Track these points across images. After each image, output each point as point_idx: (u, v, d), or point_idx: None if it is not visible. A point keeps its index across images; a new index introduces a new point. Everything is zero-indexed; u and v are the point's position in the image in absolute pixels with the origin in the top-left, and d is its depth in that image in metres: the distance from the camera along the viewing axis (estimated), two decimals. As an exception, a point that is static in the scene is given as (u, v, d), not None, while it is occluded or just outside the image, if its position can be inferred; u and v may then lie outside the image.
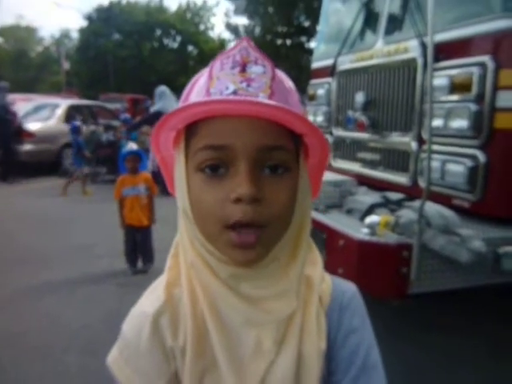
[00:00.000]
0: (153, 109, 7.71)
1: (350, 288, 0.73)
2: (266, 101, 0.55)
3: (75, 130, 8.22)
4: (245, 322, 0.61)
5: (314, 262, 0.69)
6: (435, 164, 2.57)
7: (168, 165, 0.69)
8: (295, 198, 0.61)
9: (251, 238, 0.56)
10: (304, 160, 0.64)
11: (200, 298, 0.62)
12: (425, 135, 2.78)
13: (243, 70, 0.57)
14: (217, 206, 0.56)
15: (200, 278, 0.62)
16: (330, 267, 2.43)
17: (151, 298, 0.66)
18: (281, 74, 0.62)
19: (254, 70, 0.57)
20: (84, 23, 33.65)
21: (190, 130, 0.60)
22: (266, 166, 0.57)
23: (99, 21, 32.01)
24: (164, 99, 7.53)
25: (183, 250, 0.65)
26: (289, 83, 0.63)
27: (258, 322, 0.62)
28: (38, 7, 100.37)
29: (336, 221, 2.66)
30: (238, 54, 0.58)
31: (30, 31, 49.03)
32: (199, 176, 0.58)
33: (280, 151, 0.58)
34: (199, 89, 0.60)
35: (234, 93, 0.55)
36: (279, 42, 22.68)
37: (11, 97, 12.44)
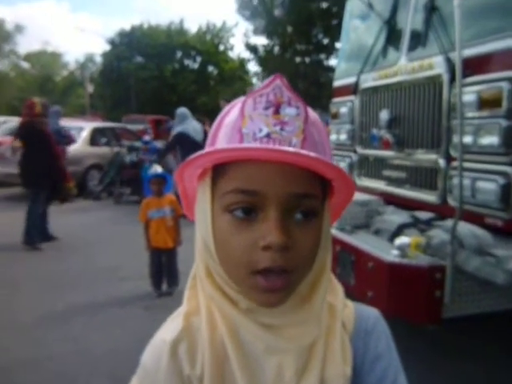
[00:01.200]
0: (175, 131, 7.77)
1: (373, 313, 0.72)
2: (302, 151, 0.54)
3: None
4: (266, 350, 0.60)
5: (334, 290, 0.69)
6: (466, 182, 2.50)
7: (189, 196, 0.69)
8: (319, 241, 0.61)
9: (279, 283, 0.56)
10: (328, 201, 0.64)
11: (219, 326, 0.62)
12: (453, 152, 2.72)
13: (277, 111, 0.56)
14: (245, 251, 0.56)
15: (219, 308, 0.62)
16: (358, 290, 2.37)
17: (170, 327, 0.66)
18: (313, 115, 0.61)
19: (288, 111, 0.57)
20: (107, 47, 34.52)
21: (218, 170, 0.59)
22: (295, 213, 0.57)
23: (122, 44, 32.77)
24: (184, 121, 7.61)
25: (200, 281, 0.65)
26: (320, 124, 0.63)
27: (279, 350, 0.61)
28: (63, 33, 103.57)
29: (364, 242, 2.60)
30: (272, 93, 0.57)
31: (56, 56, 50.51)
32: (227, 217, 0.58)
33: (310, 199, 0.58)
34: (229, 127, 0.59)
35: (268, 136, 0.55)
36: (298, 59, 22.83)
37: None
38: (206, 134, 9.42)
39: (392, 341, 0.70)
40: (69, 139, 9.30)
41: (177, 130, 7.66)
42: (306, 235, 0.57)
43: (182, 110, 7.78)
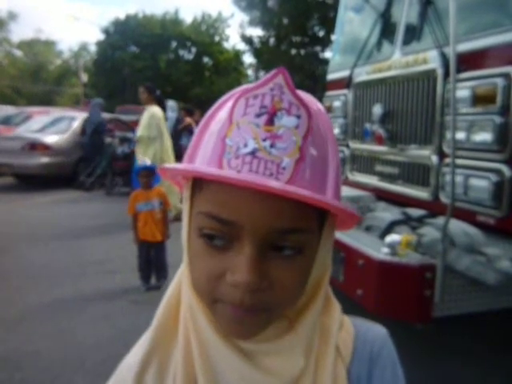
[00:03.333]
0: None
1: (379, 334, 0.61)
2: (288, 188, 0.43)
3: None
4: (240, 380, 0.51)
5: (328, 308, 0.59)
6: (458, 179, 2.47)
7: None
8: (309, 274, 0.52)
9: (249, 319, 0.48)
10: (331, 229, 0.55)
11: (194, 349, 0.53)
12: (446, 148, 2.68)
13: (270, 120, 0.46)
14: (211, 280, 0.48)
15: (195, 323, 0.54)
16: (348, 288, 2.33)
17: (138, 350, 0.58)
18: (320, 124, 0.50)
19: (285, 122, 0.46)
20: (101, 36, 34.19)
21: (197, 182, 0.51)
22: (277, 248, 0.48)
23: (116, 34, 32.46)
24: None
25: (184, 290, 0.56)
26: (328, 135, 0.51)
27: (256, 383, 0.51)
28: (56, 21, 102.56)
29: (355, 239, 2.56)
30: (269, 94, 0.47)
31: (49, 45, 50.05)
32: (199, 239, 0.49)
33: (297, 234, 0.48)
34: (215, 131, 0.49)
35: (252, 153, 0.45)
36: (293, 51, 22.70)
37: (29, 110, 12.61)
38: (178, 121, 9.55)
39: (400, 366, 0.59)
40: (108, 132, 9.60)
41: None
42: (290, 273, 0.48)
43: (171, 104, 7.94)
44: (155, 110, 6.46)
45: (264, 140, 0.45)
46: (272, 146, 0.45)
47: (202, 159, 0.50)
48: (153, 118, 6.40)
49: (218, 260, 0.48)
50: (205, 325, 0.53)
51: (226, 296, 0.47)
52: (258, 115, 0.46)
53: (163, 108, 6.81)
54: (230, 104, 0.49)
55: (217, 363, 0.52)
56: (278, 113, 0.46)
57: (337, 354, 0.55)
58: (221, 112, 0.51)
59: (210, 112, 0.53)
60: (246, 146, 0.45)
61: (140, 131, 6.45)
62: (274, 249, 0.48)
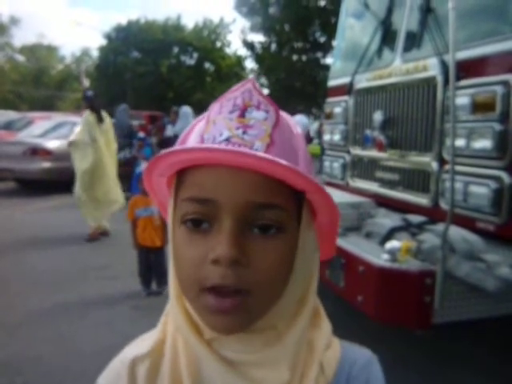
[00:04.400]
0: (173, 130, 7.69)
1: (363, 356, 0.61)
2: (260, 153, 0.47)
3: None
4: None
5: (318, 325, 0.59)
6: (458, 185, 2.48)
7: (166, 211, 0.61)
8: (290, 262, 0.53)
9: (229, 303, 0.49)
10: (310, 218, 0.56)
11: (181, 358, 0.55)
12: (446, 155, 2.69)
13: (242, 114, 0.51)
14: (195, 265, 0.50)
15: (184, 336, 0.56)
16: (348, 294, 2.33)
17: (136, 346, 0.61)
18: (287, 121, 0.55)
19: (255, 115, 0.51)
20: (104, 42, 34.33)
21: (180, 178, 0.54)
22: (255, 225, 0.50)
23: (118, 39, 32.63)
24: (184, 121, 7.51)
25: (171, 303, 0.58)
26: (296, 132, 0.56)
27: None
28: (59, 26, 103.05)
29: (355, 245, 2.57)
30: (240, 96, 0.52)
31: (51, 50, 50.23)
32: (182, 229, 0.52)
33: (273, 210, 0.50)
34: (197, 132, 0.54)
35: (227, 140, 0.49)
36: (295, 57, 22.78)
37: (30, 115, 12.64)
38: None
39: None
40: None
41: (175, 129, 7.55)
42: (267, 252, 0.50)
43: (185, 110, 7.66)
44: (86, 114, 6.28)
45: (237, 129, 0.50)
46: (244, 133, 0.50)
47: None
48: (84, 124, 6.25)
49: (200, 245, 0.50)
50: (191, 335, 0.54)
51: (209, 278, 0.49)
52: (231, 112, 0.52)
53: (97, 112, 6.33)
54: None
55: (203, 372, 0.54)
56: (248, 108, 0.52)
57: (320, 372, 0.56)
58: (202, 120, 0.55)
59: (193, 122, 0.58)
60: (221, 135, 0.50)
61: (72, 136, 6.36)
62: (257, 228, 0.50)
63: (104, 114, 6.45)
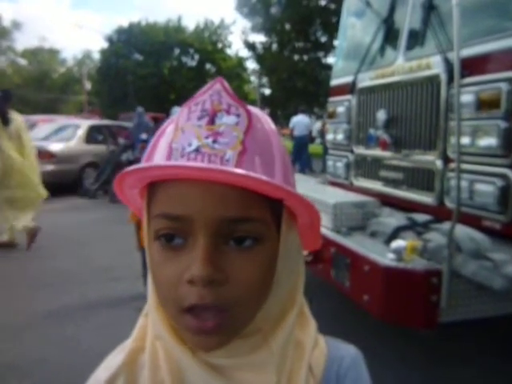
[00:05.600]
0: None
1: (348, 353, 0.61)
2: (219, 167, 0.45)
3: None
4: None
5: (304, 324, 0.59)
6: (463, 184, 2.46)
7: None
8: (271, 270, 0.51)
9: (211, 324, 0.47)
10: (290, 222, 0.54)
11: (162, 366, 0.53)
12: (451, 153, 2.68)
13: (211, 121, 0.49)
14: (171, 285, 0.48)
15: (165, 343, 0.54)
16: (354, 294, 2.32)
17: (109, 364, 0.58)
18: (260, 120, 0.53)
19: (225, 120, 0.49)
20: (105, 44, 34.37)
21: (151, 190, 0.52)
22: (230, 238, 0.48)
23: (120, 42, 32.64)
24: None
25: (150, 311, 0.56)
26: (272, 134, 0.53)
27: None
28: (60, 30, 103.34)
29: (360, 244, 2.56)
30: (209, 99, 0.50)
31: (53, 53, 50.36)
32: (156, 245, 0.50)
33: (248, 223, 0.48)
34: (165, 140, 0.52)
35: (197, 150, 0.47)
36: (296, 57, 22.76)
37: (33, 118, 12.64)
38: None
39: None
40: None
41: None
42: (245, 266, 0.48)
43: (176, 110, 7.70)
44: None
45: (206, 138, 0.48)
46: (214, 141, 0.48)
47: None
48: None
49: (175, 263, 0.48)
50: (172, 343, 0.53)
51: (186, 298, 0.47)
52: (200, 118, 0.49)
53: (1, 114, 5.65)
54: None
55: (187, 379, 0.52)
56: (218, 114, 0.49)
57: (309, 373, 0.55)
58: (171, 125, 0.53)
59: (162, 127, 0.56)
60: (190, 145, 0.48)
61: None
62: (233, 241, 0.48)
63: (12, 114, 5.84)
